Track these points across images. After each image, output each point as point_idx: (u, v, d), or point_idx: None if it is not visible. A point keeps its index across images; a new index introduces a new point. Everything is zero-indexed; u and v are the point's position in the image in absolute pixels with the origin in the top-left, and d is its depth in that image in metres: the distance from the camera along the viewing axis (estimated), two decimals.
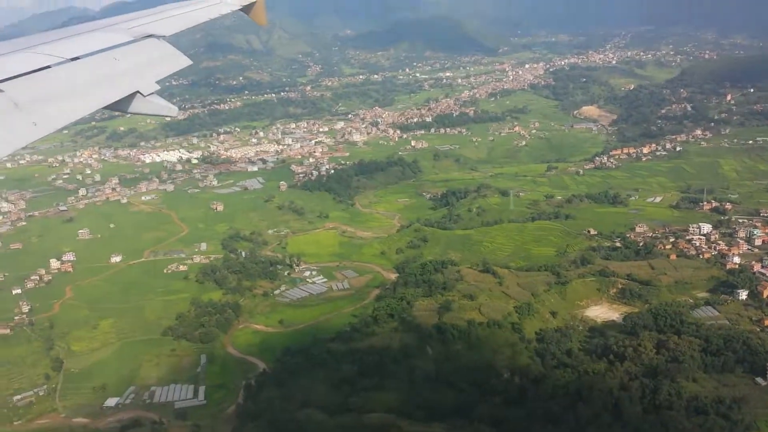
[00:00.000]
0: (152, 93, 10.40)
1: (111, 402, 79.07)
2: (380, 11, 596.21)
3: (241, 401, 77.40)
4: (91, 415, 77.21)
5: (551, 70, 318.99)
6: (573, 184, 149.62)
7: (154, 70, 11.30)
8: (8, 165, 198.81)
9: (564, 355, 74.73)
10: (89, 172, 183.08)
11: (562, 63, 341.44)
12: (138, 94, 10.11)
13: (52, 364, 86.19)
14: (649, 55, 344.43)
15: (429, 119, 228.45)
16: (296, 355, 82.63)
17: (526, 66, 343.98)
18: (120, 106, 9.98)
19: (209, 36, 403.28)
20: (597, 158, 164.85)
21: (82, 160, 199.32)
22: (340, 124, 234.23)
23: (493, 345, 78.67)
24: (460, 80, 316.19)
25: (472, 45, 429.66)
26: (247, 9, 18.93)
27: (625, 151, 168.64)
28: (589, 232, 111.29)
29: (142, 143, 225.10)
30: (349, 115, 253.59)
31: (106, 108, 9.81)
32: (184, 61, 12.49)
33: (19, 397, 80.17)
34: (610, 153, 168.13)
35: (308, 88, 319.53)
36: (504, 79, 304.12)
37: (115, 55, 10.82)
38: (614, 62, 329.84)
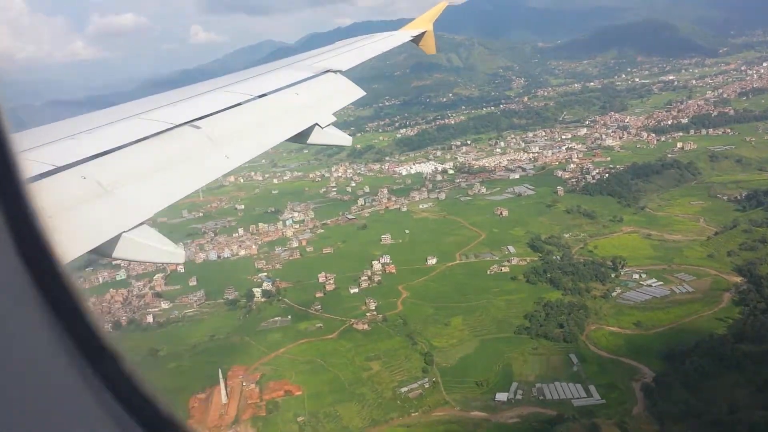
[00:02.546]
0: (329, 124, 10.59)
1: (501, 397, 78.67)
2: (575, 22, 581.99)
3: (648, 402, 73.45)
4: (486, 409, 77.21)
5: None
6: None
7: (331, 103, 11.57)
8: (275, 181, 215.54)
9: None
10: (354, 184, 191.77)
11: None
12: (316, 126, 10.37)
13: (424, 359, 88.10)
14: None
15: (684, 121, 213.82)
16: (697, 356, 77.01)
17: (765, 64, 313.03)
18: (300, 138, 10.31)
19: (412, 57, 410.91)
20: None
21: (340, 174, 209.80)
22: (583, 131, 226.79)
23: None
24: (694, 82, 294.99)
25: (687, 47, 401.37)
26: (417, 39, 18.82)
27: None
28: None
29: (387, 158, 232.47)
30: (587, 122, 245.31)
31: (287, 140, 10.08)
32: (359, 93, 12.72)
33: (406, 389, 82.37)
34: None
35: (525, 98, 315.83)
36: (747, 78, 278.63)
37: (297, 91, 11.30)
38: None
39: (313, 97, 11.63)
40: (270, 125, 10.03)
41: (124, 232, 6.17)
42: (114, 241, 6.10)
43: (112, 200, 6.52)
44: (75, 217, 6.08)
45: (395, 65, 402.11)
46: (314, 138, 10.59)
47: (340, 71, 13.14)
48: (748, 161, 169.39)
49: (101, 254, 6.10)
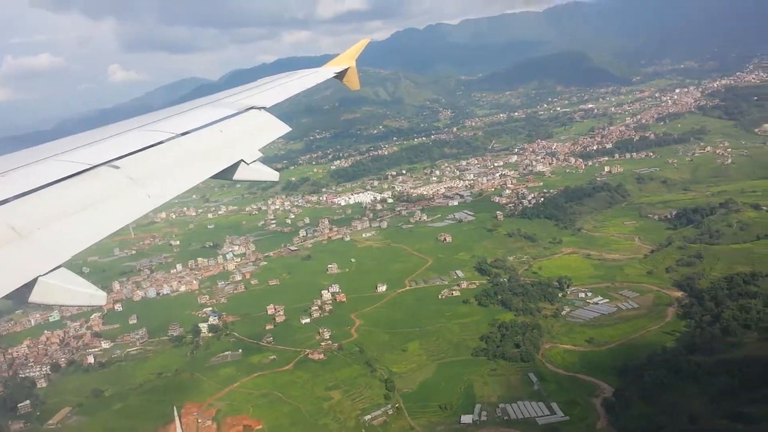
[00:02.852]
0: (255, 161, 10.66)
1: (466, 419, 78.15)
2: (495, 56, 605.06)
3: (609, 417, 74.62)
4: None
5: (707, 93, 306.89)
6: None
7: (256, 140, 11.61)
8: (209, 216, 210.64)
9: None
10: (293, 216, 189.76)
11: (715, 85, 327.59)
12: (242, 163, 10.38)
13: (384, 385, 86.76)
14: None
15: (608, 146, 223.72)
16: (652, 369, 79.04)
17: (677, 91, 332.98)
18: (226, 174, 10.22)
19: (340, 91, 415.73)
20: None
21: (278, 206, 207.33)
22: (514, 158, 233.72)
23: None
24: (613, 109, 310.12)
25: (603, 77, 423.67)
26: (340, 76, 19.14)
27: None
28: None
29: (323, 189, 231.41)
30: (516, 149, 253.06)
31: (212, 177, 9.94)
32: (284, 129, 12.69)
33: (369, 416, 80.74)
34: None
35: (455, 129, 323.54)
36: (662, 105, 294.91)
37: (221, 128, 11.25)
38: None
39: (238, 134, 11.54)
40: (193, 163, 9.78)
41: (40, 276, 5.95)
42: (30, 286, 5.87)
43: (26, 244, 6.23)
44: None
45: (323, 99, 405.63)
46: (240, 174, 10.45)
47: (264, 108, 13.11)
48: (673, 182, 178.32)
49: (17, 300, 5.86)
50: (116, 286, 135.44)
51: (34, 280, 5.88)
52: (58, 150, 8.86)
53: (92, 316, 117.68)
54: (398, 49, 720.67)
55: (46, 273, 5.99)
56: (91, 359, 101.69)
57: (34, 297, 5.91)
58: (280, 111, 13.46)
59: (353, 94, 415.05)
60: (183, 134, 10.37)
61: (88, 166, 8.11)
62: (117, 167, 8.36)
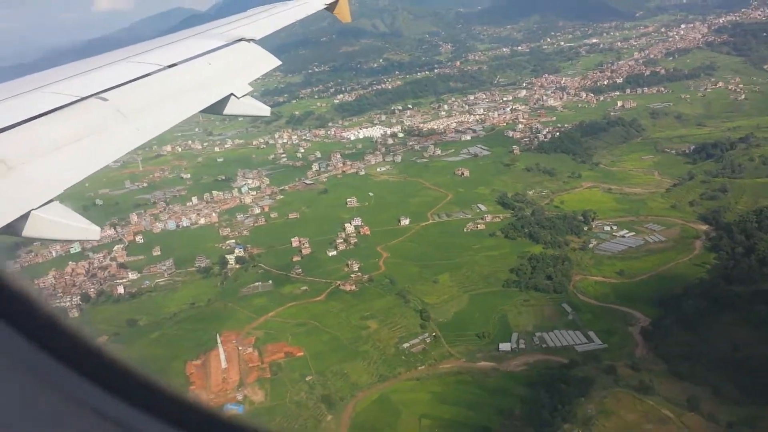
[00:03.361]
0: (246, 95, 10.48)
1: (504, 347, 79.50)
2: None
3: (649, 344, 76.09)
4: (492, 359, 77.89)
5: (714, 28, 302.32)
6: None
7: (247, 73, 11.39)
8: (216, 149, 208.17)
9: None
10: (303, 150, 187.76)
11: (720, 21, 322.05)
12: (232, 96, 10.19)
13: (419, 315, 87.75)
14: None
15: (619, 81, 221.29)
16: (691, 300, 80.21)
17: (683, 26, 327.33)
18: (215, 108, 10.09)
19: (337, 23, 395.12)
20: None
21: (285, 140, 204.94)
22: (523, 92, 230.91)
23: None
24: (619, 44, 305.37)
25: (606, 11, 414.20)
26: (331, 7, 18.51)
27: None
28: None
29: (330, 123, 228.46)
30: (524, 84, 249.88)
31: (202, 111, 9.85)
32: (274, 62, 12.51)
33: (408, 344, 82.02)
34: None
35: (458, 63, 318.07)
36: (670, 40, 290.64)
37: (209, 60, 10.99)
38: None
39: (227, 66, 11.30)
40: (182, 96, 9.63)
41: (33, 209, 5.88)
42: (23, 220, 5.79)
43: (17, 177, 6.11)
44: None
45: (320, 31, 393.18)
46: (231, 108, 10.29)
47: (254, 40, 12.75)
48: (687, 117, 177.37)
49: (10, 233, 5.78)
50: (134, 218, 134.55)
51: (27, 214, 5.76)
52: (44, 81, 8.59)
53: (115, 248, 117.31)
54: None
55: (39, 207, 5.89)
56: (120, 289, 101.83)
57: (28, 231, 5.81)
58: (275, 43, 13.18)
59: (351, 26, 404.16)
60: (171, 66, 10.08)
61: (76, 98, 7.87)
62: (105, 99, 8.16)
